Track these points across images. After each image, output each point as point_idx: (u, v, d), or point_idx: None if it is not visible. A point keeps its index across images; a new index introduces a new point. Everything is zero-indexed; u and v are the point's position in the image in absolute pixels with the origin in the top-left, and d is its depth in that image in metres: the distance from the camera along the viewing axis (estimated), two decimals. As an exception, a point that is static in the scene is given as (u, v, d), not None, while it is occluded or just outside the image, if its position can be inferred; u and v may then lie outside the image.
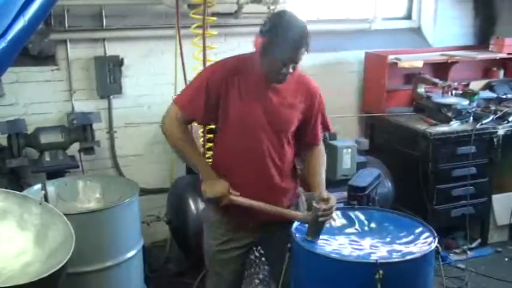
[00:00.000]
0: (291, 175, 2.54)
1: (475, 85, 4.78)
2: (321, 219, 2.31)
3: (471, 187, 4.11)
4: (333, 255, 2.23)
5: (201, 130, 3.46)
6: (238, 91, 2.34)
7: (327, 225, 2.39)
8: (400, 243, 2.37)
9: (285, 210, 2.51)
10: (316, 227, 2.33)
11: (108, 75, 3.86)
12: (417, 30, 5.08)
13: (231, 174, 2.42)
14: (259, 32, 2.28)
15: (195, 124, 2.63)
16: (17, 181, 3.58)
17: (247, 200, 2.39)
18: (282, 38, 2.21)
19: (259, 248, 2.95)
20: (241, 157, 2.40)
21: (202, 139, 3.46)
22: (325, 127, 2.58)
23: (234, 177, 2.41)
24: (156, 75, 4.04)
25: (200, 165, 2.44)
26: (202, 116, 2.38)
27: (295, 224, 2.44)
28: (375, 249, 2.33)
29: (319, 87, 2.53)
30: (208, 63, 3.26)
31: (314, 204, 2.32)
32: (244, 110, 2.35)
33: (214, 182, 2.39)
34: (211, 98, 2.33)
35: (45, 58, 3.78)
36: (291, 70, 2.28)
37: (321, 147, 2.60)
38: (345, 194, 3.37)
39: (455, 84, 4.49)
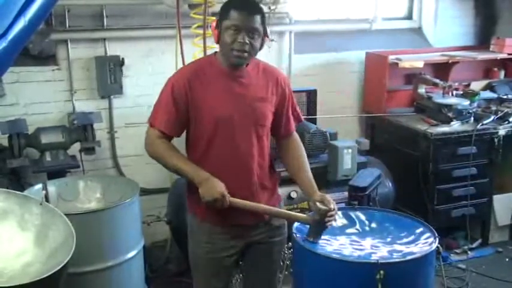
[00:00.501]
0: (271, 174, 2.49)
1: (476, 85, 4.78)
2: (327, 219, 2.30)
3: (472, 187, 4.11)
4: (334, 256, 2.23)
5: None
6: (204, 92, 2.30)
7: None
8: (400, 244, 2.38)
9: (287, 212, 2.49)
10: (319, 228, 2.33)
11: (109, 75, 3.86)
12: (418, 31, 5.08)
13: None
14: None
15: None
16: (17, 181, 3.58)
17: (245, 202, 2.32)
18: (231, 4, 2.27)
19: None
20: (221, 161, 2.32)
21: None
22: (297, 118, 2.55)
23: None
24: (157, 75, 4.03)
25: (191, 171, 2.29)
26: (178, 129, 2.35)
27: (296, 224, 2.44)
28: (376, 249, 2.33)
29: (286, 76, 2.51)
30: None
31: (318, 205, 2.30)
32: (215, 110, 2.29)
33: (210, 184, 2.25)
34: (180, 108, 2.30)
35: (46, 58, 3.78)
36: (246, 40, 2.22)
37: (297, 136, 2.56)
38: (346, 194, 3.38)
39: (456, 84, 4.49)
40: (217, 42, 2.32)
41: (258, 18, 2.26)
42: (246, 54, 2.26)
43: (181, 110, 2.30)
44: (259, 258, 2.53)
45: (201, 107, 2.30)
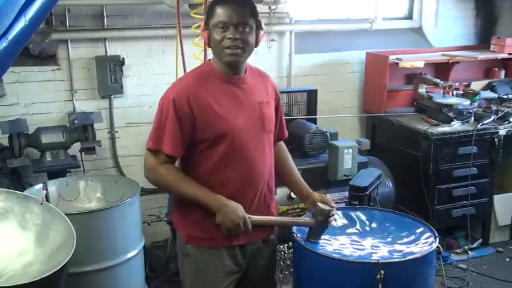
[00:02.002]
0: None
1: (476, 85, 4.78)
2: (329, 219, 2.29)
3: (472, 187, 4.11)
4: (334, 255, 2.23)
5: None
6: (210, 103, 2.09)
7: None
8: (401, 243, 2.38)
9: (293, 219, 2.46)
10: (321, 228, 2.32)
11: (109, 75, 3.86)
12: (418, 30, 5.08)
13: (222, 193, 2.13)
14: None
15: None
16: (18, 181, 3.58)
17: (265, 218, 2.24)
18: (216, 1, 2.09)
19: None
20: (233, 172, 2.15)
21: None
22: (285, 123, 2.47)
23: (228, 196, 2.13)
24: (157, 75, 4.05)
25: (204, 196, 2.11)
26: (184, 149, 2.12)
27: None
28: (376, 249, 2.33)
29: None
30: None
31: (321, 205, 2.29)
32: (226, 122, 2.11)
33: (230, 208, 2.09)
34: (185, 126, 2.08)
35: (46, 58, 3.78)
36: (237, 35, 2.04)
37: (283, 142, 2.48)
38: (346, 194, 3.37)
39: (457, 84, 4.50)
40: (209, 45, 2.14)
41: (246, 10, 2.07)
42: (239, 50, 2.07)
43: (187, 128, 2.08)
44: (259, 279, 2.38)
45: (210, 120, 2.09)
